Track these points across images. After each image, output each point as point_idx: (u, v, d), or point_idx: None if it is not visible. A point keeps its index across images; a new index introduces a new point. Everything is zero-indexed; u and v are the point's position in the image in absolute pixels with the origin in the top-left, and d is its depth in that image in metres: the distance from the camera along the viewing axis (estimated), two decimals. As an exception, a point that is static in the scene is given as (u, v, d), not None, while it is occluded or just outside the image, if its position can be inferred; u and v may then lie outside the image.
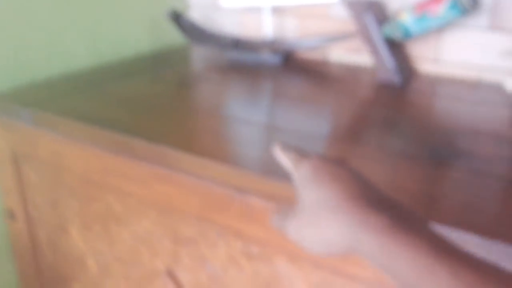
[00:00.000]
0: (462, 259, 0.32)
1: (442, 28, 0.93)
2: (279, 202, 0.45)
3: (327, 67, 1.06)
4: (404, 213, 0.36)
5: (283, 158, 0.46)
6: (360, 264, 0.55)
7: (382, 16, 0.95)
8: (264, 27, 1.13)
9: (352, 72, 1.02)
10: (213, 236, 0.67)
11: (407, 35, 0.89)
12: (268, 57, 1.06)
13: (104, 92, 0.87)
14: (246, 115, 0.77)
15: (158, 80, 0.96)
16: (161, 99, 0.84)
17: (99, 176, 0.76)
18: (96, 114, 0.76)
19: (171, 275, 0.75)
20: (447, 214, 0.50)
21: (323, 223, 0.37)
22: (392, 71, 0.91)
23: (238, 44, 1.10)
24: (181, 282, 0.74)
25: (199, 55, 1.17)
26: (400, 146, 0.65)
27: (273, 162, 0.60)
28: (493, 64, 0.90)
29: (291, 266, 0.62)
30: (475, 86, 0.91)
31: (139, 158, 0.69)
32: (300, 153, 0.45)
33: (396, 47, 0.95)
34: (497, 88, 0.87)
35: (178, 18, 1.08)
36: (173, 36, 1.22)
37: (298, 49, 1.07)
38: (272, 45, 1.07)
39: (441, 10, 0.83)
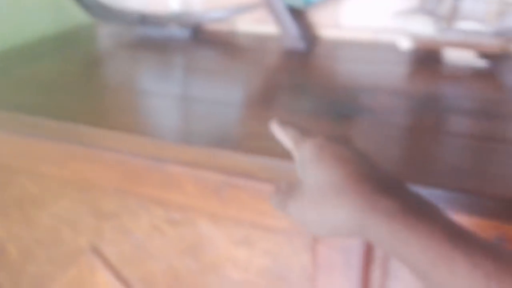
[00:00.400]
0: (480, 247, 0.30)
1: (340, -6, 0.99)
2: (278, 181, 0.44)
3: (236, 38, 1.08)
4: (415, 197, 0.35)
5: (282, 136, 0.45)
6: (276, 216, 0.59)
7: (283, -15, 0.98)
8: (170, 1, 1.13)
9: (260, 42, 1.05)
10: (134, 207, 0.69)
11: (308, 2, 0.93)
12: (176, 31, 1.07)
13: (11, 77, 0.85)
14: (159, 88, 0.78)
15: (67, 60, 0.94)
16: (72, 79, 0.83)
17: (11, 160, 0.74)
18: (4, 99, 0.74)
19: (96, 251, 0.75)
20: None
21: (329, 205, 0.36)
22: (297, 38, 0.95)
23: (144, 19, 1.09)
24: (107, 256, 0.75)
25: (107, 33, 1.15)
26: (309, 107, 0.70)
27: (190, 130, 0.63)
28: (388, 26, 0.97)
29: (213, 227, 0.65)
30: (373, 47, 0.97)
31: (52, 139, 0.68)
32: (301, 130, 0.43)
33: (298, 15, 0.99)
34: (392, 47, 0.93)
35: (80, -4, 1.06)
36: (78, 16, 1.19)
37: (206, 21, 1.09)
38: (179, 19, 1.08)
39: (337, -23, 0.88)
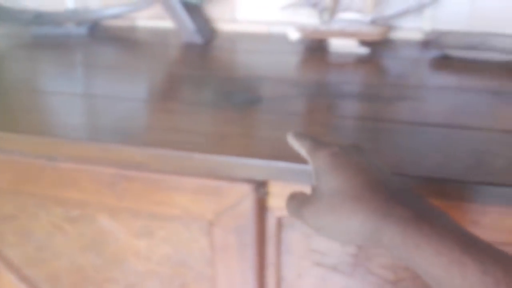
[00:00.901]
0: (490, 254, 0.31)
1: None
2: (293, 190, 0.45)
3: (136, 33, 1.09)
4: (426, 205, 0.36)
5: (298, 147, 0.46)
6: (172, 204, 0.62)
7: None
8: (67, -1, 1.12)
9: (159, 36, 1.06)
10: (33, 208, 0.69)
11: (201, -3, 0.96)
12: (73, 29, 1.06)
13: None
14: (58, 87, 0.78)
15: (-45, 63, 0.91)
16: (-41, 82, 0.81)
17: None
18: None
19: (-2, 255, 0.75)
20: (259, 147, 0.58)
21: (344, 213, 0.37)
22: (193, 32, 0.98)
23: (40, 18, 1.07)
24: (10, 259, 0.75)
25: (2, 34, 1.11)
26: (208, 98, 0.73)
27: (89, 127, 0.64)
28: (279, 18, 1.02)
29: (112, 221, 0.66)
30: (267, 39, 1.02)
31: None
32: (316, 141, 0.45)
33: (195, 10, 1.02)
34: (284, 39, 0.98)
35: (-32, -4, 1.02)
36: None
37: (103, 18, 1.08)
38: (76, 16, 1.07)
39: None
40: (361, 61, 0.88)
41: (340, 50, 0.91)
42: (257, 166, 0.56)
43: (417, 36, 0.97)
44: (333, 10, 0.89)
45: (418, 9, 0.89)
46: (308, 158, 0.44)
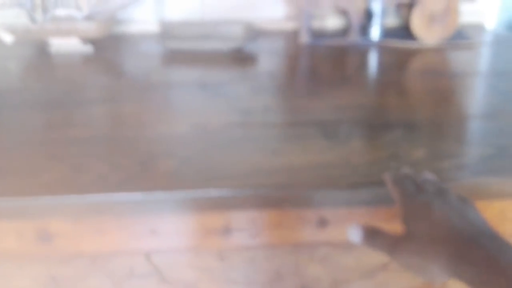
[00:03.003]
0: None
1: None
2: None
3: None
4: (498, 244, 0.42)
5: (392, 189, 0.50)
6: None
7: None
8: None
9: None
10: None
11: None
12: None
13: None
14: None
15: None
16: None
17: None
18: None
19: None
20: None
21: (431, 255, 0.43)
22: None
23: None
24: None
25: None
26: None
27: None
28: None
29: None
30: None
31: None
32: (408, 188, 0.49)
33: None
34: (2, 44, 0.86)
35: None
36: None
37: None
38: None
39: None
40: (88, 60, 0.81)
41: (62, 50, 0.83)
42: None
43: (150, 28, 0.92)
44: (44, 7, 0.80)
45: (136, 1, 0.84)
46: (398, 202, 0.49)
